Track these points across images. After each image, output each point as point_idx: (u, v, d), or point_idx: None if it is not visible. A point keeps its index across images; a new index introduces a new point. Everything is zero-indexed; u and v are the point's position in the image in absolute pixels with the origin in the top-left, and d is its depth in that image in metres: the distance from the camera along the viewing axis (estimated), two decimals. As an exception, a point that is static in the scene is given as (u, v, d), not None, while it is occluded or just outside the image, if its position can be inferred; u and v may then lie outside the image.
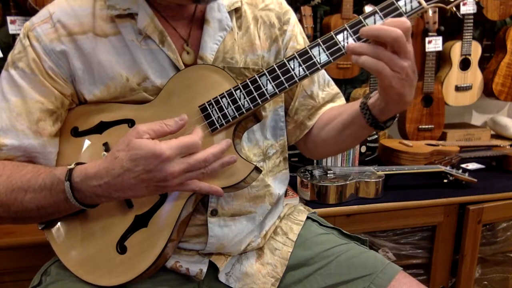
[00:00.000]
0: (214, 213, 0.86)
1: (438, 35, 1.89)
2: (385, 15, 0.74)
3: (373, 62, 0.69)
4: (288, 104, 0.97)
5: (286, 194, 1.26)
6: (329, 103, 0.99)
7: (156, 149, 0.67)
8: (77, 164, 0.75)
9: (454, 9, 0.81)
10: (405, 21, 0.69)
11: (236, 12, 0.87)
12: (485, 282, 1.70)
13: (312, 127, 0.97)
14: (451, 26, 1.98)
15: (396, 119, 0.84)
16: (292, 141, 1.01)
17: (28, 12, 1.47)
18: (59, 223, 0.82)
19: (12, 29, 1.51)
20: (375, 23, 0.74)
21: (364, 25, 0.74)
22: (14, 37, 1.54)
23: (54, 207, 0.75)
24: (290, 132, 1.00)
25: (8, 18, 1.50)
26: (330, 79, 1.01)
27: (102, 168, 0.71)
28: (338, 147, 0.97)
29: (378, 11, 0.74)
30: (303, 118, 0.97)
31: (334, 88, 1.01)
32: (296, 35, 0.95)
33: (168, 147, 0.68)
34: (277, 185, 0.95)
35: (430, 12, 1.84)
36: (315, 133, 0.98)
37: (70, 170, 0.73)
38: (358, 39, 0.74)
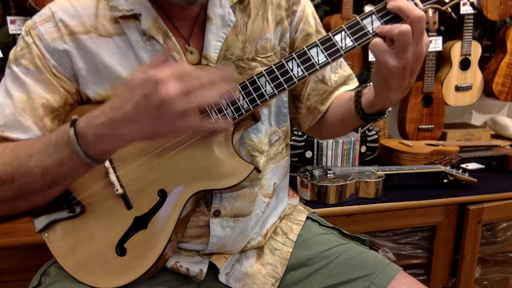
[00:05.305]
0: (217, 214, 0.85)
1: (438, 35, 1.89)
2: (382, 16, 0.75)
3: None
4: (299, 90, 0.96)
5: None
6: (342, 86, 0.97)
7: (149, 73, 0.64)
8: None
9: (450, 9, 0.81)
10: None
11: (240, 3, 0.84)
12: (485, 282, 1.70)
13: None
14: (451, 26, 1.98)
15: (385, 116, 0.85)
16: (306, 127, 1.01)
17: (28, 12, 1.48)
18: (56, 226, 0.81)
19: (12, 29, 1.51)
20: (372, 23, 0.74)
21: (361, 26, 0.75)
22: (14, 37, 1.54)
23: (59, 169, 0.71)
24: (303, 117, 0.99)
25: (8, 18, 1.50)
26: (343, 59, 0.98)
27: (106, 106, 0.67)
28: (333, 130, 0.99)
29: (375, 12, 0.75)
30: (316, 104, 0.96)
31: (346, 70, 0.99)
32: (307, 16, 0.92)
33: (160, 71, 0.64)
34: (278, 173, 0.94)
35: (430, 12, 1.83)
36: (323, 116, 0.97)
37: (75, 119, 0.70)
38: (356, 40, 0.74)
